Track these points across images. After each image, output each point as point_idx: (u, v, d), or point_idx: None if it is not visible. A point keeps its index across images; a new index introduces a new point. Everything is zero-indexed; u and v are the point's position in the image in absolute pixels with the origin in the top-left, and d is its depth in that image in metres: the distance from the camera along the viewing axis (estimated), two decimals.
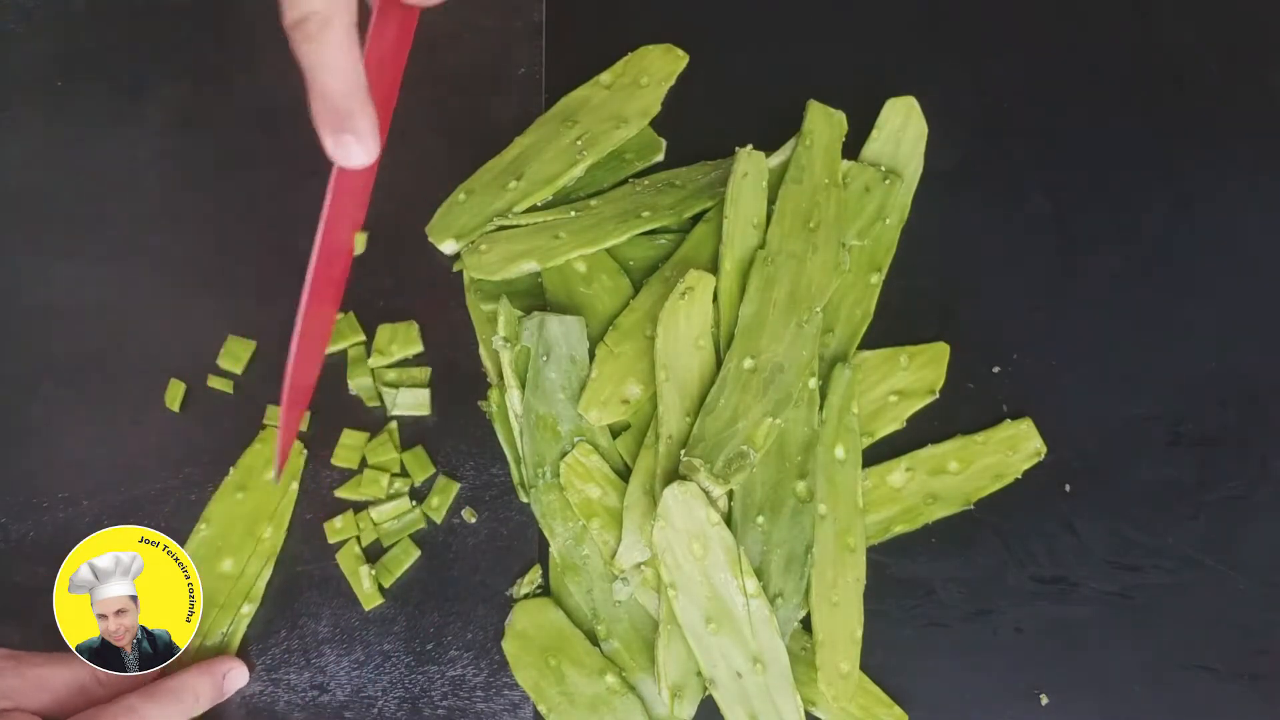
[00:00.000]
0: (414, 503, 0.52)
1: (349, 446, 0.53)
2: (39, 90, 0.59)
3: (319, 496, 0.53)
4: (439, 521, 0.52)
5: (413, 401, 0.54)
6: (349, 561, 0.51)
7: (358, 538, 0.52)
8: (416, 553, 0.52)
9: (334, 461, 0.53)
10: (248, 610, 0.50)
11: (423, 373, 0.54)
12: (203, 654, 0.50)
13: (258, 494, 0.51)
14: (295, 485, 0.52)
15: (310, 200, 0.59)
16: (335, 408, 0.54)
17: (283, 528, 0.52)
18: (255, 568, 0.51)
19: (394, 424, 0.53)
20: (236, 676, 0.49)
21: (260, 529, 0.51)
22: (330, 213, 0.46)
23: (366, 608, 0.51)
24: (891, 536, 0.52)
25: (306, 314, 0.46)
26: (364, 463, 0.53)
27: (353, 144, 0.41)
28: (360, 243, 0.51)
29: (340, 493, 0.52)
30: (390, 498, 0.52)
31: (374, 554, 0.52)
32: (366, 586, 0.51)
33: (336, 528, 0.52)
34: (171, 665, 0.47)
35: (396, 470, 0.53)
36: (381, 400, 0.54)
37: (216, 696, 0.48)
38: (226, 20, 0.61)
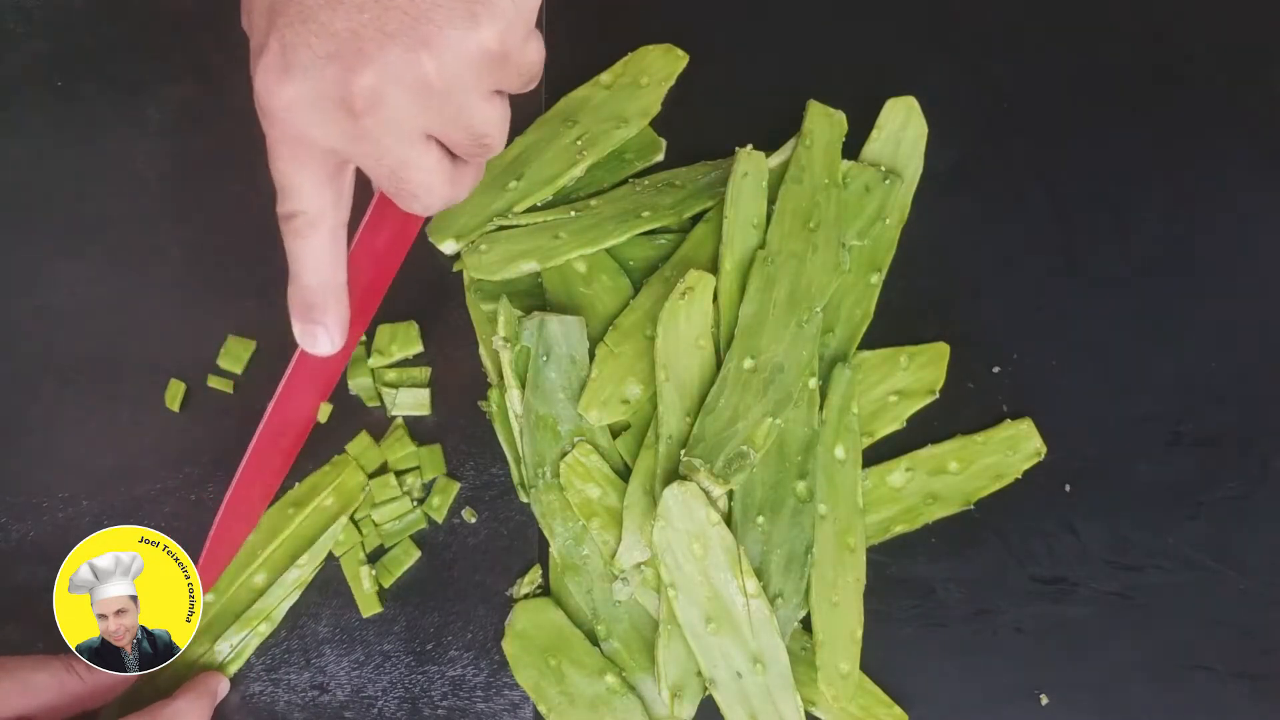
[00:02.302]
0: (415, 503, 0.52)
1: (361, 450, 0.52)
2: (39, 90, 0.59)
3: None
4: (440, 521, 0.52)
5: (413, 401, 0.54)
6: (351, 566, 0.51)
7: (361, 543, 0.52)
8: (417, 553, 0.52)
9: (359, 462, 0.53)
10: (264, 629, 0.50)
11: (422, 373, 0.54)
12: (201, 664, 0.50)
13: (311, 516, 0.51)
14: (345, 519, 0.51)
15: None
16: (335, 408, 0.54)
17: (319, 559, 0.51)
18: (283, 591, 0.51)
19: (400, 420, 0.53)
20: (223, 689, 0.49)
21: (300, 554, 0.51)
22: (289, 385, 0.49)
23: (364, 614, 0.51)
24: (891, 536, 0.52)
25: (242, 479, 0.49)
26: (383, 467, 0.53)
27: (320, 334, 0.45)
28: (324, 413, 0.53)
29: (364, 511, 0.52)
30: (404, 494, 0.52)
31: (374, 554, 0.52)
32: (366, 587, 0.51)
33: (340, 541, 0.52)
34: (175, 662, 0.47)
35: (413, 465, 0.53)
36: (381, 400, 0.54)
37: (210, 711, 0.48)
38: (226, 20, 0.61)
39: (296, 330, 0.45)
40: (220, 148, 0.58)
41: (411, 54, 0.38)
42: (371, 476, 0.52)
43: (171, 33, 0.60)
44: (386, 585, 0.51)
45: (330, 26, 0.38)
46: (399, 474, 0.52)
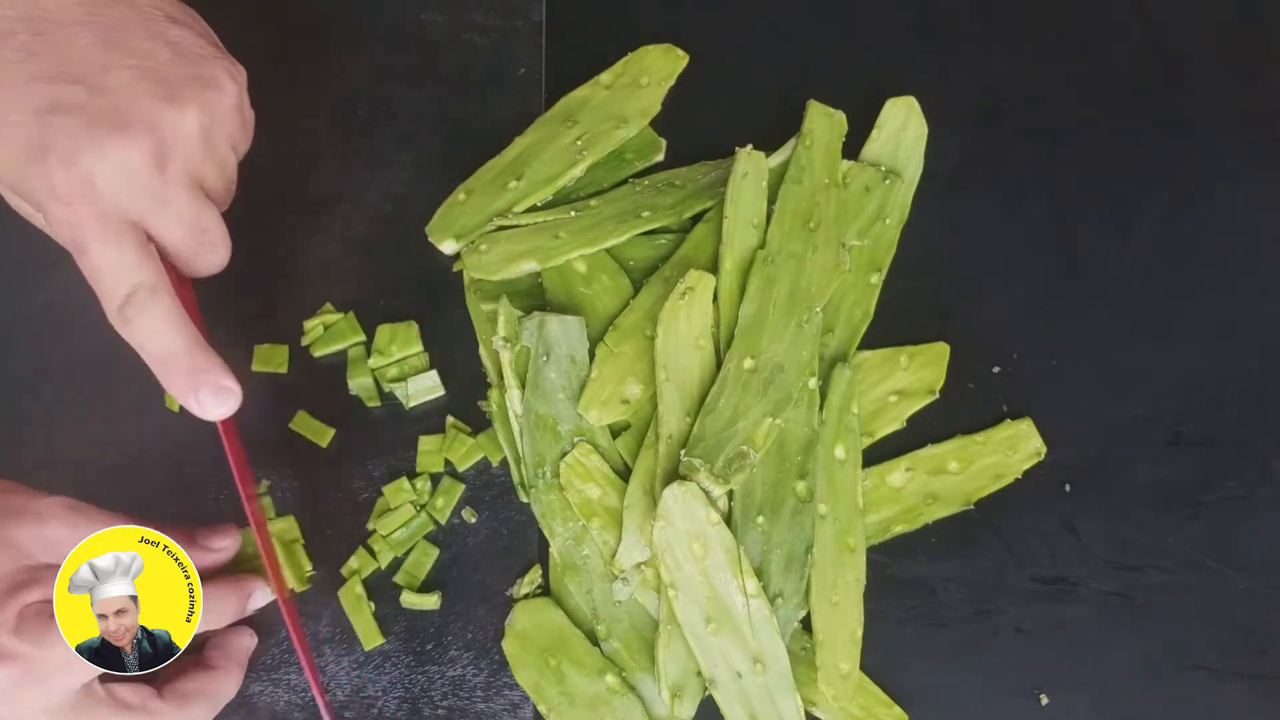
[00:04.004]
0: (419, 508, 0.52)
1: (429, 452, 0.53)
2: None
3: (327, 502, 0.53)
4: (443, 522, 0.52)
5: (427, 386, 0.53)
6: (350, 600, 0.51)
7: (361, 577, 0.51)
8: (436, 551, 0.52)
9: (420, 469, 0.53)
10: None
11: (421, 358, 0.54)
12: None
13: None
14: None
15: (311, 200, 0.59)
16: (335, 408, 0.54)
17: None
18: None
19: (450, 418, 0.54)
20: (260, 596, 0.49)
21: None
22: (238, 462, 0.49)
23: (366, 647, 0.50)
24: (891, 536, 0.52)
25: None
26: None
27: (223, 388, 0.44)
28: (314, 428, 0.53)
29: (373, 524, 0.52)
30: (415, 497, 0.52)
31: (392, 565, 0.52)
32: (366, 623, 0.51)
33: (353, 567, 0.51)
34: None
35: (477, 455, 0.53)
36: (382, 399, 0.54)
37: (239, 613, 0.48)
38: (224, 21, 0.61)
39: (196, 402, 0.44)
40: None
41: (178, 110, 0.42)
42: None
43: None
44: (415, 589, 0.51)
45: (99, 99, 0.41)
46: (410, 477, 0.52)
